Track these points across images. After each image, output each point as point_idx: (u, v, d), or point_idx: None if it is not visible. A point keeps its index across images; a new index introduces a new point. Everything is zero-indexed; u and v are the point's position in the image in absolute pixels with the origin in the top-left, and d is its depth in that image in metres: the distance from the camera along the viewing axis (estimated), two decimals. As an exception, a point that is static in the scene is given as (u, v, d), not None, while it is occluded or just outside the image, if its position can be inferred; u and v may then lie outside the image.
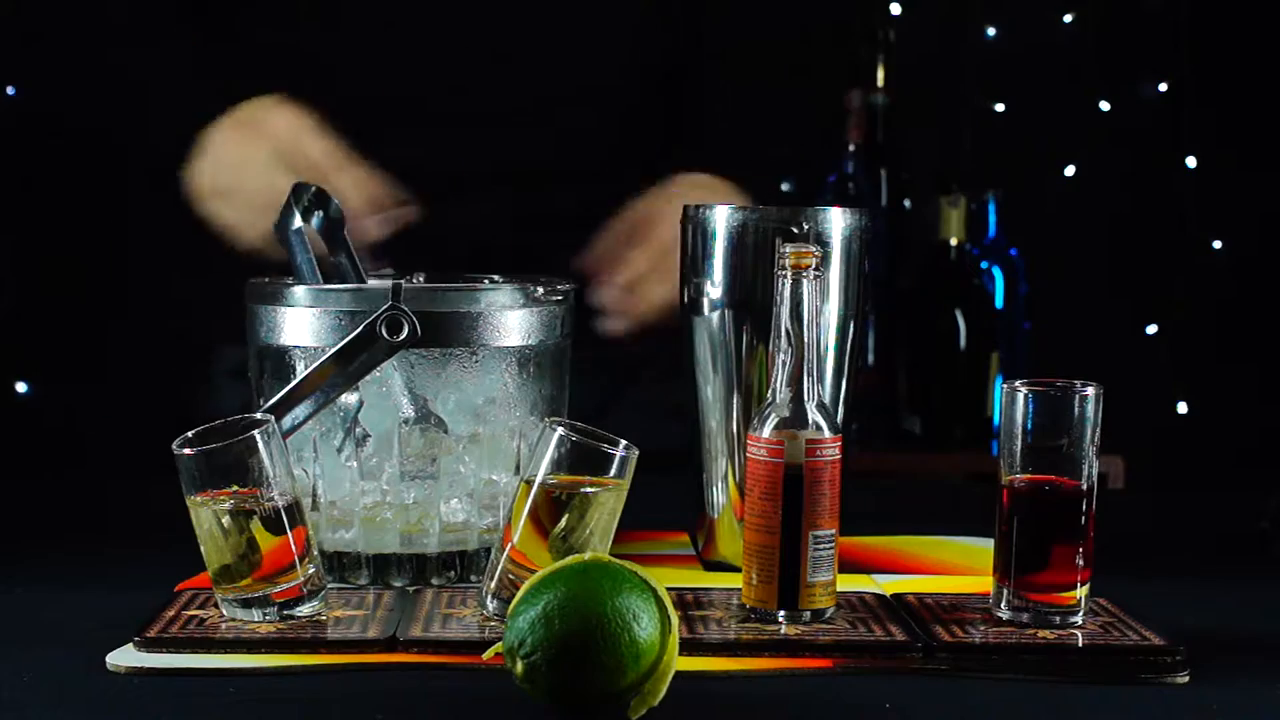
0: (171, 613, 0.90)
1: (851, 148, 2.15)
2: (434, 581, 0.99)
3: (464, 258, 1.13)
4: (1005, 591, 0.92)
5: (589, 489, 0.90)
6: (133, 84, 1.31)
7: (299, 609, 0.89)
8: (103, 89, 1.35)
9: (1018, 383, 0.92)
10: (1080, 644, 0.87)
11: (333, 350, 0.95)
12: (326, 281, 1.01)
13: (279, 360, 1.00)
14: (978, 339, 2.14)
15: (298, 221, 1.02)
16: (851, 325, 1.03)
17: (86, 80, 1.37)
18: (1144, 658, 0.86)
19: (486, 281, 1.06)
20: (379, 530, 0.99)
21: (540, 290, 1.01)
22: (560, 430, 0.90)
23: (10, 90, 2.25)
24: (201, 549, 0.90)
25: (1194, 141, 2.34)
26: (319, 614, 0.90)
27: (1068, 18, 2.38)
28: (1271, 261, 2.35)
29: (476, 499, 1.00)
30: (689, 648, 0.84)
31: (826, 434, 0.90)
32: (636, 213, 1.27)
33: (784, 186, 2.11)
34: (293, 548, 0.89)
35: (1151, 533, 1.23)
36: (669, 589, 0.79)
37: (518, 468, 1.00)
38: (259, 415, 0.91)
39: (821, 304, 0.92)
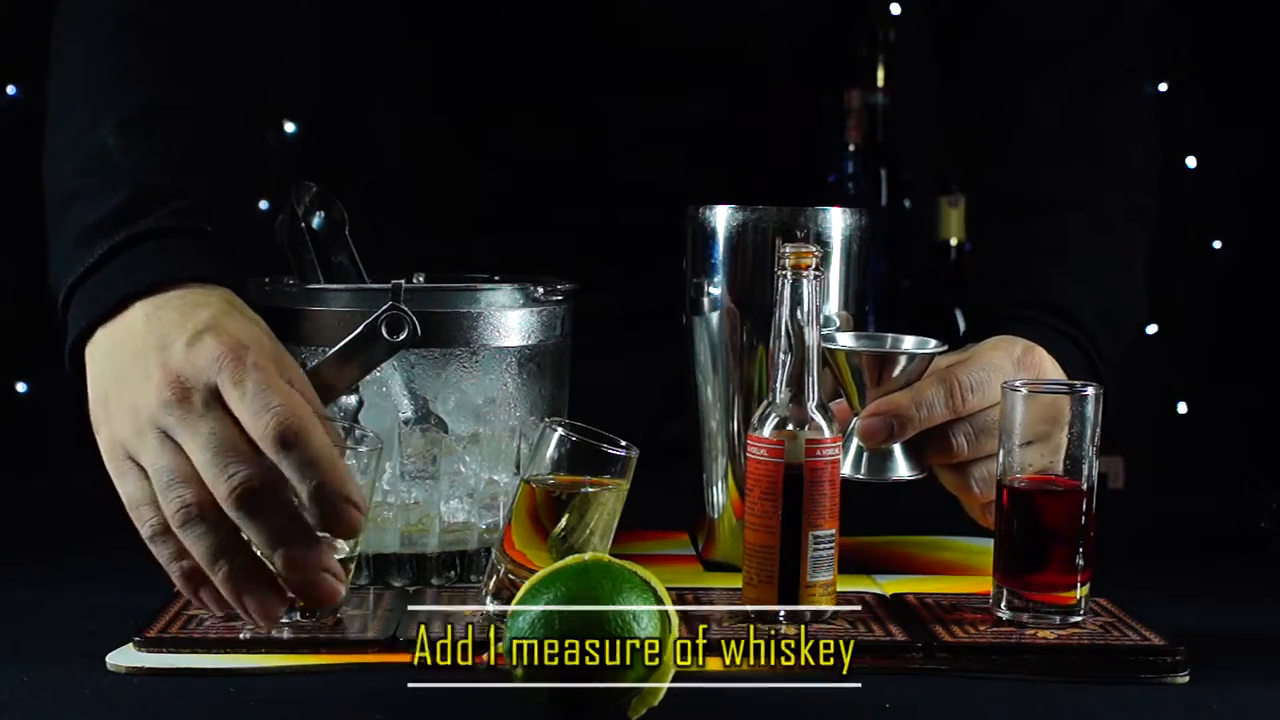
0: (171, 613, 0.90)
1: (851, 148, 2.15)
2: (434, 581, 0.99)
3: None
4: (1005, 591, 0.92)
5: (589, 489, 0.90)
6: None
7: None
8: None
9: (1018, 382, 0.92)
10: (1080, 644, 0.87)
11: (333, 350, 0.95)
12: (327, 281, 1.01)
13: (279, 360, 1.00)
14: (978, 339, 2.14)
15: (299, 221, 1.02)
16: (851, 325, 1.04)
17: None
18: (1144, 658, 0.86)
19: (486, 282, 1.06)
20: (379, 530, 0.99)
21: (540, 290, 1.01)
22: (560, 430, 0.90)
23: (11, 90, 2.25)
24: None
25: (1194, 141, 2.33)
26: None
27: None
28: (1271, 262, 2.35)
29: (476, 499, 1.00)
30: (689, 648, 0.84)
31: (826, 434, 0.90)
32: None
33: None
34: None
35: (1151, 533, 1.23)
36: (669, 589, 0.79)
37: (518, 468, 1.00)
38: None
39: (821, 304, 0.92)
